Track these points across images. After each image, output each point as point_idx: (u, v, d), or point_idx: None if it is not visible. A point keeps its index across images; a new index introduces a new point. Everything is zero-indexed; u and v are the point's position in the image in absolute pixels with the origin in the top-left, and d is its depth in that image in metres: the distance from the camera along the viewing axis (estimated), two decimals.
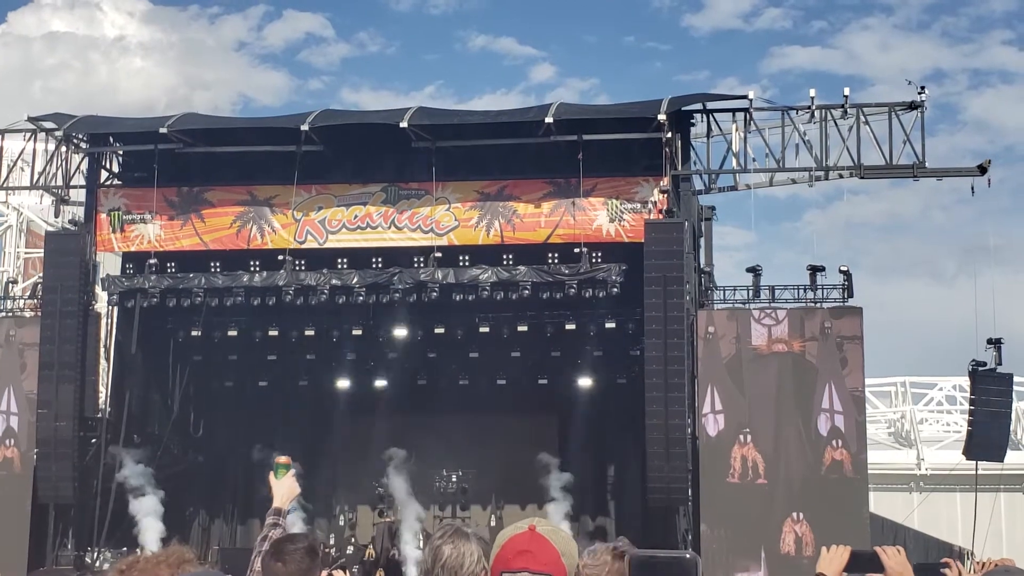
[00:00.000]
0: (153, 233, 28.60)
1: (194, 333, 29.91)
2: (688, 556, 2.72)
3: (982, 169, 27.04)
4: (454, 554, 3.67)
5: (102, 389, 29.41)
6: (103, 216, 28.81)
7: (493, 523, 30.99)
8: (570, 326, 29.14)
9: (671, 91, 27.69)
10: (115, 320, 29.43)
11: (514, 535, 3.13)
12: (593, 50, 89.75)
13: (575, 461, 31.88)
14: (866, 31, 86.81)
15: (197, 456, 31.92)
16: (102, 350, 29.19)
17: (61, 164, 29.11)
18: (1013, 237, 79.07)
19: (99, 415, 28.72)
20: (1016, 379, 28.77)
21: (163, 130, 27.43)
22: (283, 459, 5.93)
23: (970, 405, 27.89)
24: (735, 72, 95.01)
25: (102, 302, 29.66)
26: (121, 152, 30.00)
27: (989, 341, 27.20)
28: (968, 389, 28.35)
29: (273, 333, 30.18)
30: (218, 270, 28.54)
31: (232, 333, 30.22)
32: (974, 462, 28.18)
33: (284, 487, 5.76)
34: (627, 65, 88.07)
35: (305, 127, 26.92)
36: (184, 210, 28.66)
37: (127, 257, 29.64)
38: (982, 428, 27.32)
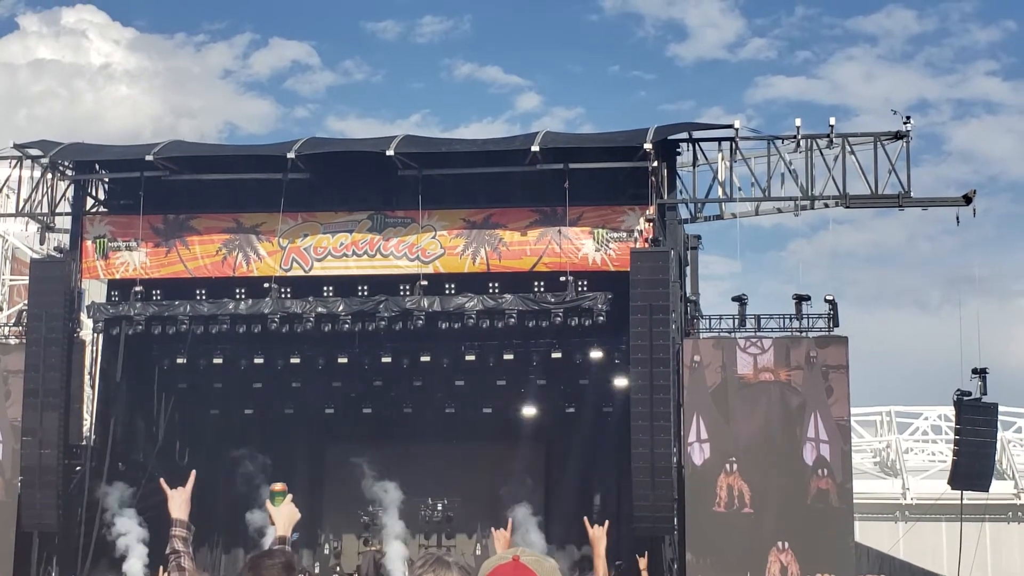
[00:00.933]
0: (139, 260, 28.55)
1: (179, 361, 29.84)
2: None
3: (967, 199, 27.15)
4: None
5: (87, 417, 29.28)
6: (88, 243, 28.76)
7: (479, 552, 30.89)
8: (556, 355, 29.14)
9: (656, 120, 27.84)
10: (100, 348, 29.33)
11: (498, 565, 3.11)
12: (578, 79, 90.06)
13: (560, 490, 31.84)
14: (850, 61, 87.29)
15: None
16: (87, 378, 29.08)
17: (47, 191, 29.06)
18: (997, 267, 79.37)
19: (84, 443, 28.58)
20: (1001, 409, 28.80)
21: (149, 158, 27.42)
22: (278, 486, 5.90)
23: (955, 435, 27.91)
24: (720, 102, 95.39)
25: (87, 329, 29.57)
26: (107, 179, 29.97)
27: (974, 371, 27.27)
28: (953, 419, 28.38)
29: (258, 361, 30.12)
30: (203, 298, 28.48)
31: (217, 361, 30.16)
32: (959, 492, 28.18)
33: (283, 514, 5.72)
34: (612, 94, 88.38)
35: (291, 155, 26.94)
36: (170, 237, 28.63)
37: (112, 284, 29.57)
38: (967, 458, 27.34)
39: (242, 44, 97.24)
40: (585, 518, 6.93)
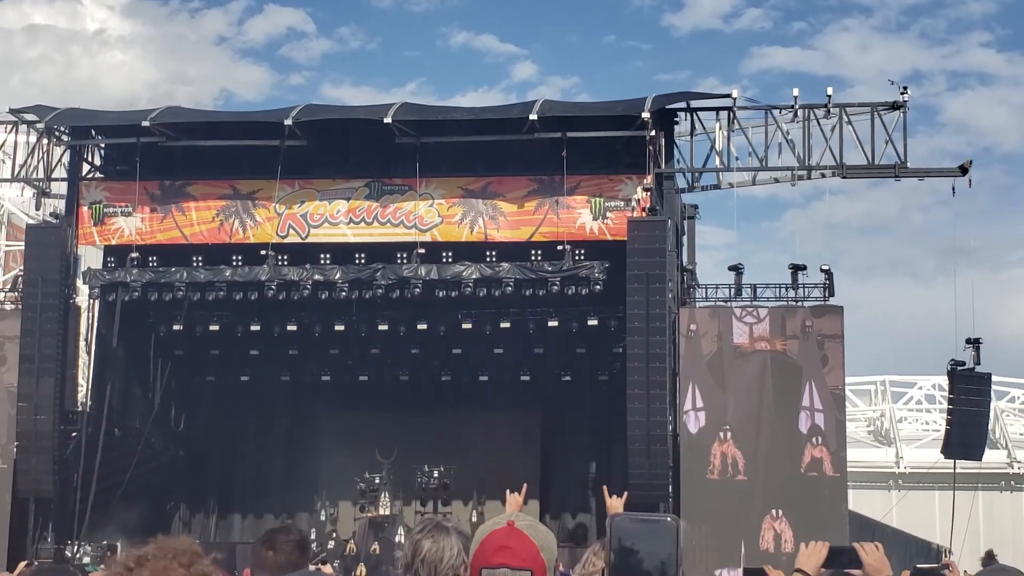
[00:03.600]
0: (135, 227, 28.54)
1: (176, 327, 29.85)
2: (669, 519, 2.76)
3: (963, 170, 27.17)
4: (434, 548, 3.68)
5: (83, 383, 29.32)
6: (84, 209, 28.74)
7: (475, 519, 31.02)
8: (553, 323, 29.17)
9: (652, 90, 27.79)
10: (96, 314, 29.34)
11: (493, 531, 3.15)
12: (574, 49, 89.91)
13: (556, 458, 31.98)
14: (845, 32, 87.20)
15: (178, 450, 31.87)
16: (83, 344, 29.10)
17: (42, 157, 29.01)
18: (991, 238, 79.59)
19: (80, 409, 28.62)
20: (994, 379, 28.94)
21: (146, 123, 27.37)
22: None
23: (949, 404, 28.06)
24: (715, 72, 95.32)
25: (83, 295, 29.56)
26: (103, 145, 29.93)
27: (968, 341, 27.35)
28: (947, 388, 28.51)
29: (255, 328, 30.15)
30: (200, 264, 28.48)
31: (214, 328, 30.19)
32: (952, 461, 28.34)
33: None
34: (608, 64, 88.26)
35: (288, 121, 26.89)
36: (166, 204, 28.60)
37: (108, 251, 29.55)
38: (960, 427, 27.49)
39: (237, 10, 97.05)
40: (605, 487, 6.93)
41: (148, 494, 29.87)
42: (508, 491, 6.48)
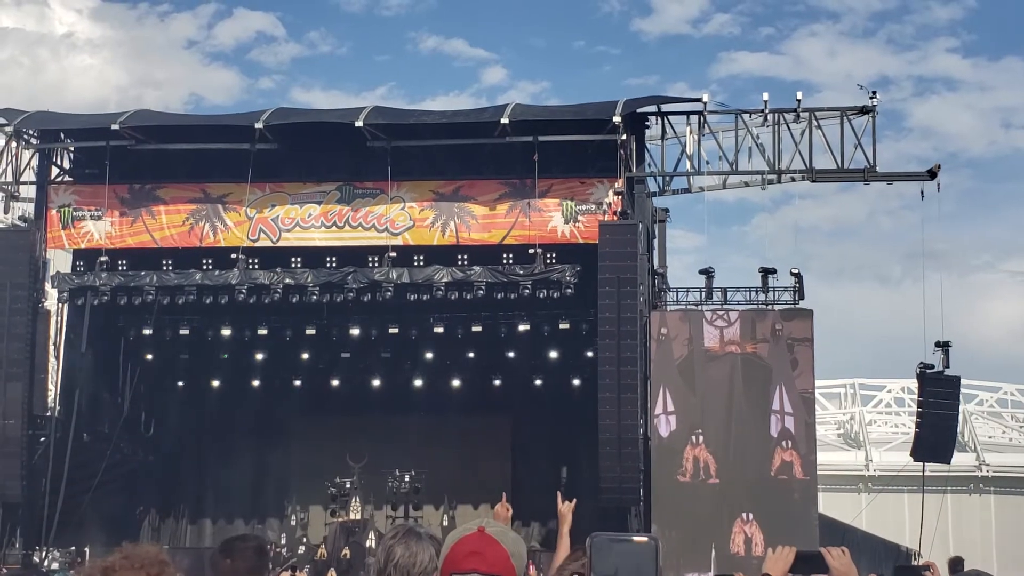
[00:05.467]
0: (104, 230, 28.37)
1: (145, 332, 29.71)
2: (649, 539, 2.77)
3: (932, 174, 27.33)
4: (406, 554, 3.68)
5: (51, 387, 29.12)
6: (53, 213, 28.56)
7: (445, 523, 31.00)
8: (524, 327, 29.20)
9: (621, 95, 27.71)
10: (65, 318, 29.14)
11: (463, 536, 3.15)
12: (544, 53, 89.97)
13: (528, 462, 31.98)
14: (813, 37, 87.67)
15: (148, 455, 31.70)
16: (52, 348, 28.89)
17: (11, 160, 28.79)
18: (958, 242, 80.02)
19: (48, 413, 28.44)
20: (963, 382, 29.09)
21: (115, 127, 27.23)
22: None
23: (918, 407, 28.18)
24: (684, 77, 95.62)
25: (52, 299, 29.36)
26: (72, 148, 29.75)
27: (937, 344, 27.50)
28: (916, 391, 28.64)
29: (225, 332, 30.05)
30: (170, 268, 28.34)
31: (184, 332, 30.05)
32: (921, 463, 28.48)
33: None
34: (577, 68, 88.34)
35: (259, 125, 26.81)
36: (136, 207, 28.45)
37: (77, 254, 29.37)
38: (930, 430, 27.62)
39: (206, 14, 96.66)
40: (559, 492, 6.98)
41: (117, 499, 29.70)
42: (499, 505, 6.52)
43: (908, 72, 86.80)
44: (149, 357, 30.93)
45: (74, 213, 28.53)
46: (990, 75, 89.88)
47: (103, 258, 28.20)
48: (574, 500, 6.55)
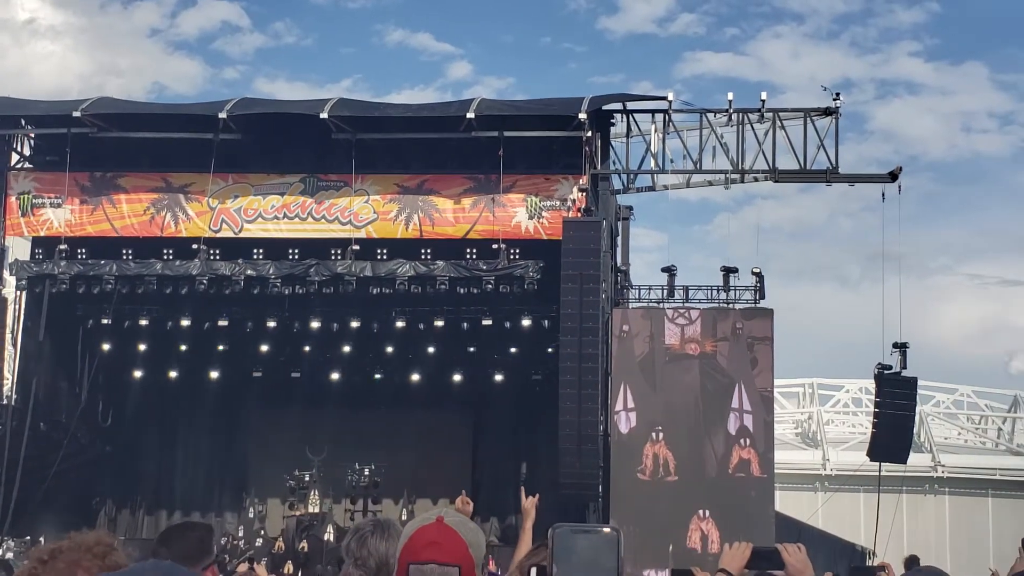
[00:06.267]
0: (64, 218, 28.16)
1: (104, 321, 29.49)
2: (610, 530, 2.78)
3: (893, 176, 27.55)
4: (381, 547, 3.66)
5: (8, 376, 28.87)
6: (12, 200, 28.31)
7: (404, 517, 30.94)
8: (486, 322, 29.20)
9: (586, 92, 27.80)
10: (23, 306, 28.90)
11: (422, 526, 3.15)
12: (510, 49, 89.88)
13: (488, 457, 32.01)
14: (777, 39, 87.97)
15: (105, 446, 31.48)
16: (9, 336, 28.65)
17: None
18: (917, 245, 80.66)
19: (4, 402, 28.19)
20: (920, 383, 29.33)
21: (77, 114, 27.03)
22: None
23: (875, 407, 28.42)
24: (649, 76, 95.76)
25: (10, 287, 29.09)
26: (33, 135, 29.48)
27: (895, 345, 27.72)
28: (874, 392, 28.86)
29: (185, 323, 29.86)
30: (130, 257, 28.16)
31: (143, 322, 29.86)
32: (878, 463, 28.70)
33: None
34: (543, 65, 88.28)
35: (223, 115, 26.67)
36: (96, 195, 28.25)
37: (36, 242, 29.13)
38: (886, 430, 27.84)
39: (170, 3, 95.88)
40: (522, 488, 7.02)
41: (74, 489, 29.51)
42: (461, 500, 6.55)
43: (871, 75, 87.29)
44: (107, 347, 30.71)
45: (34, 200, 28.29)
46: (952, 79, 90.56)
47: (62, 246, 27.99)
48: (537, 495, 6.58)
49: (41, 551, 3.62)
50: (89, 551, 3.60)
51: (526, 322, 28.93)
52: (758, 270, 27.97)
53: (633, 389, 27.09)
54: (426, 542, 3.08)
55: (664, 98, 27.90)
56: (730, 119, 27.66)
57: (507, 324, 29.32)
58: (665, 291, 28.10)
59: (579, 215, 26.80)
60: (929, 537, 40.41)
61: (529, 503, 6.48)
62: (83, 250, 28.27)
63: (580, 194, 27.02)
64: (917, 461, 36.37)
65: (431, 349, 30.94)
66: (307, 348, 31.38)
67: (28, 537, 26.43)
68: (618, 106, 28.12)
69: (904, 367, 27.71)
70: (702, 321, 27.33)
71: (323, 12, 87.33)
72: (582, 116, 26.22)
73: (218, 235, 28.03)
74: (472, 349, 30.98)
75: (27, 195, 28.31)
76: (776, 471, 28.13)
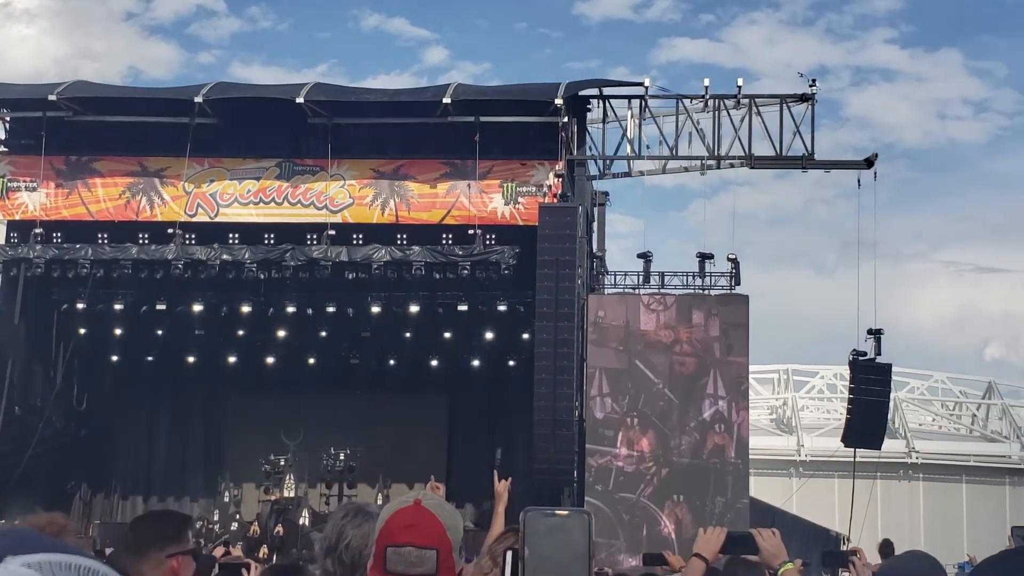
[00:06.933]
0: (39, 202, 28.01)
1: (79, 305, 29.37)
2: (582, 513, 2.81)
3: (869, 162, 27.66)
4: (358, 534, 3.65)
5: None
6: None
7: (380, 501, 30.89)
8: (462, 307, 29.20)
9: (562, 78, 27.81)
10: None
11: (399, 509, 3.16)
12: (485, 34, 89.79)
13: (463, 442, 32.05)
14: (753, 25, 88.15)
15: (80, 430, 31.38)
16: None
17: None
18: (892, 232, 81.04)
19: None
20: (895, 369, 29.48)
21: (52, 97, 26.88)
22: None
23: (850, 394, 28.55)
24: (625, 62, 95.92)
25: None
26: (8, 118, 29.30)
27: (869, 331, 27.84)
28: (848, 378, 29.00)
29: (161, 307, 29.75)
30: (106, 241, 28.05)
31: (118, 306, 29.75)
32: (852, 449, 28.85)
33: None
34: (519, 51, 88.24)
35: (199, 99, 26.57)
36: (71, 179, 28.12)
37: (11, 226, 28.97)
38: (861, 416, 27.98)
39: None
40: (495, 471, 7.06)
41: (49, 474, 29.39)
42: (432, 483, 6.60)
43: (846, 62, 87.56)
44: (82, 331, 30.58)
45: (8, 184, 28.13)
46: (927, 66, 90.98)
47: (38, 230, 27.86)
48: (510, 479, 6.61)
49: None
50: (43, 530, 3.60)
51: (502, 307, 28.96)
52: (734, 256, 28.07)
53: (608, 375, 27.16)
54: (404, 525, 3.09)
55: (641, 84, 27.93)
56: (706, 105, 27.71)
57: (483, 309, 29.33)
58: (641, 277, 28.17)
59: (555, 201, 26.81)
60: (903, 523, 40.67)
61: (502, 486, 6.52)
62: (58, 234, 28.14)
63: (556, 180, 27.03)
64: (891, 447, 36.62)
65: (407, 334, 30.94)
66: (283, 333, 31.33)
67: (2, 520, 26.31)
68: (594, 92, 28.13)
69: (879, 353, 27.85)
70: (677, 307, 27.41)
71: None
72: (558, 102, 26.22)
73: (194, 219, 27.93)
74: (448, 334, 30.99)
75: (2, 179, 28.15)
76: (751, 457, 28.25)
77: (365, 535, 3.60)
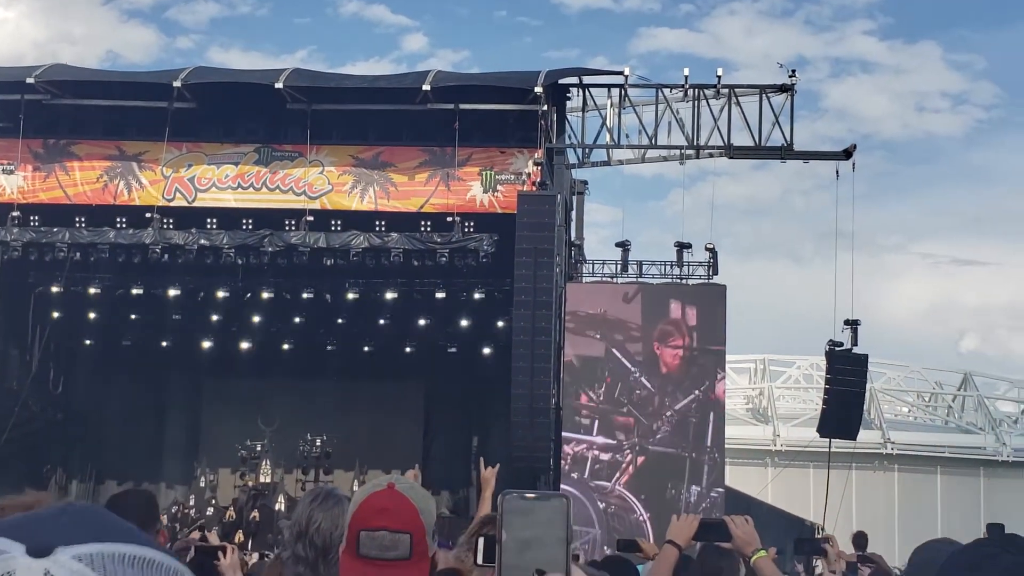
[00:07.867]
0: (16, 185, 27.86)
1: (55, 289, 29.25)
2: (560, 497, 2.82)
3: (847, 153, 27.75)
4: (327, 519, 3.66)
5: None
6: None
7: (355, 487, 30.97)
8: (440, 294, 29.20)
9: (541, 66, 27.78)
10: None
11: (373, 492, 3.17)
12: (465, 22, 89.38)
13: (440, 429, 32.07)
14: (732, 16, 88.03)
15: (56, 413, 31.29)
16: None
17: None
18: (868, 223, 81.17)
19: None
20: (871, 360, 29.60)
21: (30, 80, 26.73)
22: None
23: (826, 384, 28.65)
24: (604, 51, 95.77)
25: None
26: None
27: (846, 322, 27.96)
28: (824, 368, 29.11)
29: (137, 291, 29.65)
30: (83, 225, 27.92)
31: (95, 290, 29.64)
32: (828, 439, 28.97)
33: None
34: (498, 39, 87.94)
35: (177, 83, 26.46)
36: (49, 162, 27.97)
37: None
38: (836, 407, 28.09)
39: None
40: (481, 459, 7.10)
41: (24, 457, 29.28)
42: (412, 471, 6.60)
43: (825, 53, 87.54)
44: (59, 314, 30.46)
45: None
46: (905, 58, 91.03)
47: (15, 213, 27.72)
48: (497, 465, 6.64)
49: None
50: (14, 510, 3.59)
51: (479, 295, 28.97)
52: (711, 246, 28.12)
53: (585, 363, 27.20)
54: (377, 509, 3.09)
55: (621, 72, 27.95)
56: (686, 95, 27.74)
57: (461, 297, 29.34)
58: (619, 266, 28.21)
59: (534, 189, 26.82)
60: (878, 513, 40.83)
61: (489, 472, 6.54)
62: (36, 217, 27.99)
63: (535, 168, 27.02)
64: (867, 437, 36.76)
65: (384, 321, 30.92)
66: (259, 318, 31.27)
67: None
68: (575, 80, 28.13)
69: (855, 344, 27.97)
70: (655, 296, 27.47)
71: None
72: (538, 90, 26.21)
73: (171, 204, 27.82)
74: (425, 321, 30.99)
75: None
76: (727, 446, 28.36)
77: (335, 518, 3.61)
